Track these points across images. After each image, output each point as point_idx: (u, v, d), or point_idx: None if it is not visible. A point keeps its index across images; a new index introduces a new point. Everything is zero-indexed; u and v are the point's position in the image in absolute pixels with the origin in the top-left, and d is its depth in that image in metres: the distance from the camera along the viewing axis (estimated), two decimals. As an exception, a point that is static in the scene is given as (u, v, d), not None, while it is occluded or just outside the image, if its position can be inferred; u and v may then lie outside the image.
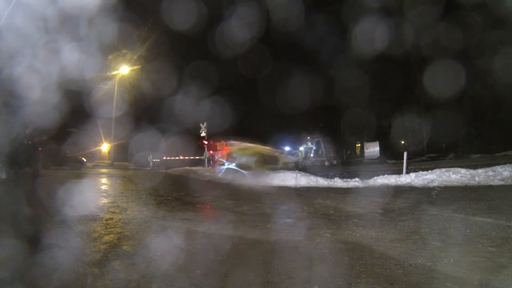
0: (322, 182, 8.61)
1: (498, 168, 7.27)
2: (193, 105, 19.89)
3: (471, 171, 7.44)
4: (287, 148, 21.33)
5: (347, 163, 23.12)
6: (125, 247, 3.29)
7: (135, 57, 20.32)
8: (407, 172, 8.31)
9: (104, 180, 9.78)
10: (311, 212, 5.24)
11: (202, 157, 16.34)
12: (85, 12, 11.96)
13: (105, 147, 22.43)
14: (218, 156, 15.94)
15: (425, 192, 6.49)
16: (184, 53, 23.80)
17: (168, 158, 21.89)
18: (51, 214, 4.33)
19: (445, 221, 4.14)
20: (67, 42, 12.80)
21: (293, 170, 10.87)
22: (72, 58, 13.19)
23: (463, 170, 7.51)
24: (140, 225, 4.25)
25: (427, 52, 21.56)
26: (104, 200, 5.87)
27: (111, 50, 18.46)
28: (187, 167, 14.99)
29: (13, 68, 10.45)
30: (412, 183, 7.45)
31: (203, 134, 15.28)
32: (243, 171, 11.88)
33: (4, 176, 4.59)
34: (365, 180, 8.15)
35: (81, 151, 18.00)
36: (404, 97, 25.32)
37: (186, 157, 20.75)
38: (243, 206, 5.85)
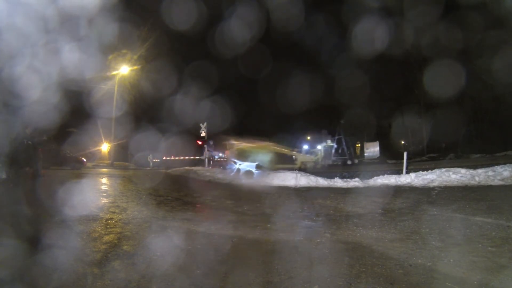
0: (322, 182, 8.61)
1: (498, 168, 7.27)
2: (193, 105, 19.91)
3: (471, 171, 7.44)
4: (305, 147, 20.88)
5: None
6: (125, 247, 3.29)
7: (135, 57, 20.36)
8: (407, 172, 8.31)
9: (104, 180, 9.78)
10: (311, 212, 5.24)
11: (202, 157, 16.33)
12: (85, 12, 11.96)
13: (105, 147, 22.44)
14: (228, 156, 15.59)
15: (425, 192, 6.49)
16: (184, 53, 23.89)
17: (168, 158, 21.91)
18: (51, 214, 4.33)
19: (445, 221, 4.14)
20: (67, 42, 12.80)
21: (311, 169, 10.51)
22: (72, 58, 13.19)
23: (463, 170, 7.51)
24: (140, 225, 4.25)
25: (427, 52, 21.60)
26: (104, 200, 5.87)
27: (111, 50, 18.48)
28: (187, 167, 14.99)
29: (13, 68, 10.45)
30: (412, 183, 7.45)
31: (203, 134, 15.27)
32: (256, 171, 11.51)
33: (4, 176, 4.58)
34: (365, 180, 8.15)
35: (81, 151, 18.01)
36: (404, 97, 25.35)
37: (186, 157, 20.78)
38: (243, 206, 5.85)
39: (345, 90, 23.05)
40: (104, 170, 15.41)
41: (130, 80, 21.49)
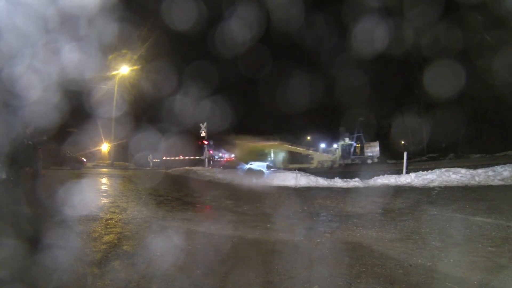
0: (322, 182, 8.61)
1: (498, 168, 7.27)
2: (193, 105, 19.91)
3: (471, 171, 7.44)
4: (322, 145, 20.27)
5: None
6: (125, 247, 3.29)
7: (135, 57, 20.37)
8: (407, 172, 8.31)
9: (104, 180, 9.78)
10: (311, 212, 5.24)
11: (202, 157, 16.34)
12: (85, 12, 11.96)
13: (105, 147, 22.45)
14: (237, 155, 15.23)
15: (425, 192, 6.49)
16: (184, 53, 23.93)
17: (168, 158, 21.92)
18: (51, 214, 4.33)
19: (445, 221, 4.13)
20: (67, 42, 12.79)
21: (329, 169, 9.92)
22: (72, 58, 13.18)
23: (463, 170, 7.51)
24: (140, 225, 4.25)
25: (427, 52, 21.62)
26: (104, 200, 5.87)
27: (111, 50, 18.49)
28: (187, 167, 15.00)
29: (13, 68, 10.44)
30: (412, 183, 7.45)
31: (203, 134, 15.28)
32: (266, 171, 11.27)
33: (4, 176, 4.57)
34: (365, 180, 8.15)
35: (81, 151, 18.03)
36: (404, 97, 25.37)
37: (186, 157, 20.78)
38: (243, 206, 5.85)
39: (345, 90, 23.07)
40: (104, 170, 15.40)
41: (130, 80, 21.51)
